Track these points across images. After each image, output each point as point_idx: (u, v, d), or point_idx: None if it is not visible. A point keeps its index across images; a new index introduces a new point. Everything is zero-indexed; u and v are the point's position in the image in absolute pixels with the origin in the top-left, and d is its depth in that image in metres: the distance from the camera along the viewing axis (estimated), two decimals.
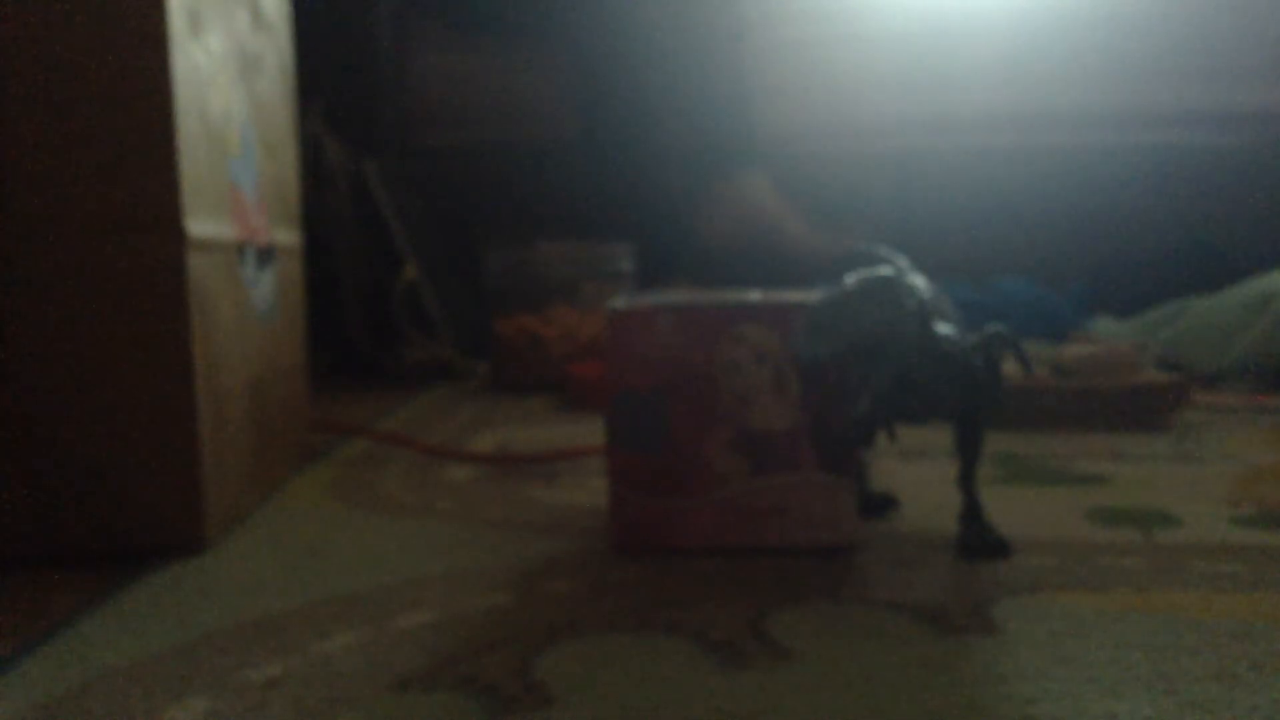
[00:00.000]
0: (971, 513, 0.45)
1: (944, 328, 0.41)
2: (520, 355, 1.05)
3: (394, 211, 1.16)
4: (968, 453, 0.45)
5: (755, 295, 0.45)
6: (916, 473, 0.61)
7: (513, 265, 1.25)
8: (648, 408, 0.44)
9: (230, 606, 0.39)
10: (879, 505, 0.52)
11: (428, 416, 0.87)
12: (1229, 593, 0.39)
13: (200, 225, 0.46)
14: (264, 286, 0.57)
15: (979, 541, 0.44)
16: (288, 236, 0.63)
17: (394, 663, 0.34)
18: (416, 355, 1.24)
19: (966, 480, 0.45)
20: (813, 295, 0.44)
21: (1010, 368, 0.78)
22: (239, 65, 0.54)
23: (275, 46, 0.62)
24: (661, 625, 0.37)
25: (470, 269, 1.31)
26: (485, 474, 0.63)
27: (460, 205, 1.42)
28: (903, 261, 0.45)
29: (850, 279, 0.42)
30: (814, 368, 0.43)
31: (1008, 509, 0.51)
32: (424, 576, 0.43)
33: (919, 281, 0.42)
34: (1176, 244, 1.44)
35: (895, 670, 0.32)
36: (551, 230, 1.31)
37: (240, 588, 0.42)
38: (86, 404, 0.44)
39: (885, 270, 0.41)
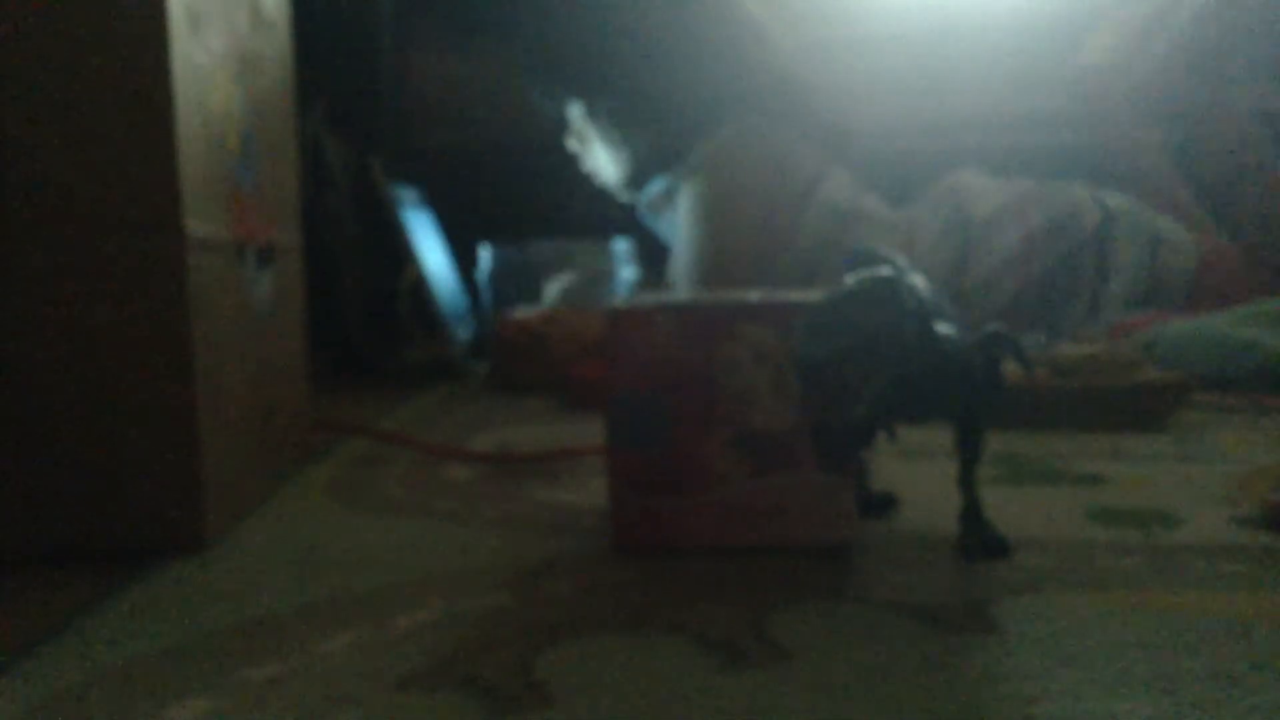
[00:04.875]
0: (971, 513, 0.45)
1: (944, 328, 0.41)
2: (520, 355, 1.05)
3: (397, 209, 1.16)
4: (968, 453, 0.45)
5: (755, 295, 0.45)
6: (916, 473, 0.61)
7: (508, 265, 1.25)
8: (648, 408, 0.44)
9: (230, 606, 0.39)
10: (879, 505, 0.52)
11: (428, 416, 0.87)
12: (1229, 593, 0.39)
13: (200, 225, 0.46)
14: (264, 286, 0.57)
15: (979, 541, 0.44)
16: (288, 236, 0.63)
17: (394, 663, 0.34)
18: (417, 355, 1.24)
19: (966, 480, 0.45)
20: (813, 295, 0.44)
21: (1010, 368, 0.78)
22: (239, 65, 0.54)
23: (275, 46, 0.62)
24: (661, 625, 0.37)
25: (469, 269, 1.31)
26: (485, 474, 0.63)
27: (459, 205, 1.42)
28: (903, 261, 0.45)
29: (850, 279, 0.42)
30: (814, 368, 0.43)
31: (1008, 509, 0.51)
32: (424, 576, 0.43)
33: (919, 281, 0.42)
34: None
35: (895, 670, 0.32)
36: (548, 231, 1.31)
37: (240, 587, 0.42)
38: (86, 404, 0.44)
39: (885, 270, 0.41)
